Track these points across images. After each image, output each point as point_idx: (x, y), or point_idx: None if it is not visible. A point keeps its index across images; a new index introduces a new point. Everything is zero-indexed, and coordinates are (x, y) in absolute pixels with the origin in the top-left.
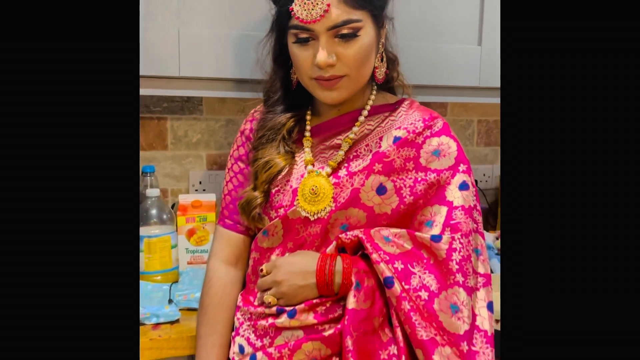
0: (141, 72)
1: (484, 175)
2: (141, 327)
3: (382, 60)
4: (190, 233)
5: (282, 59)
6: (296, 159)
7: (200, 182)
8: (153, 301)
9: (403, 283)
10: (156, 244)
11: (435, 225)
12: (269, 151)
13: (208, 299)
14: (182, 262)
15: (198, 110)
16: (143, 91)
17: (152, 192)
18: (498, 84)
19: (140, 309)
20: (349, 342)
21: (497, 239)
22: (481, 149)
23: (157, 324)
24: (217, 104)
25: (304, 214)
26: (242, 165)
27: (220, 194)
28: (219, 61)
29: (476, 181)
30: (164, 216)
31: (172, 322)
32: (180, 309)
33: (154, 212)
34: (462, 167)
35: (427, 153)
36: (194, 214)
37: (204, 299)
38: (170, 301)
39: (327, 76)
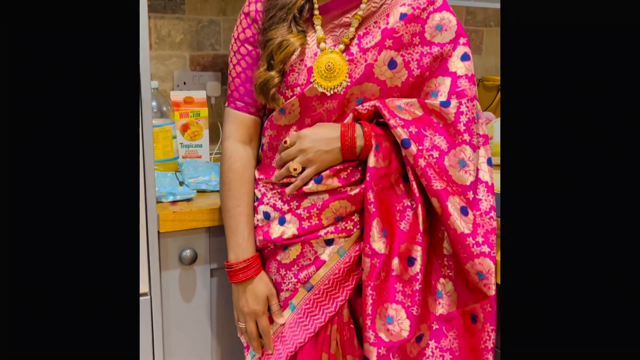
0: None
1: None
2: (160, 204)
3: None
4: (185, 128)
5: None
6: (307, 38)
7: (184, 83)
8: (164, 183)
9: (418, 144)
10: (158, 134)
11: (440, 94)
12: (281, 31)
13: (231, 174)
14: (178, 155)
15: (181, 10)
16: None
17: (151, 84)
18: None
19: (156, 189)
20: (370, 195)
21: None
22: None
23: (175, 202)
24: (199, 3)
25: (320, 90)
26: (249, 47)
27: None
28: None
29: None
30: (164, 108)
31: (187, 200)
32: (194, 190)
33: (154, 103)
34: (462, 40)
35: (431, 28)
36: (187, 109)
37: (227, 175)
38: (181, 183)
39: None
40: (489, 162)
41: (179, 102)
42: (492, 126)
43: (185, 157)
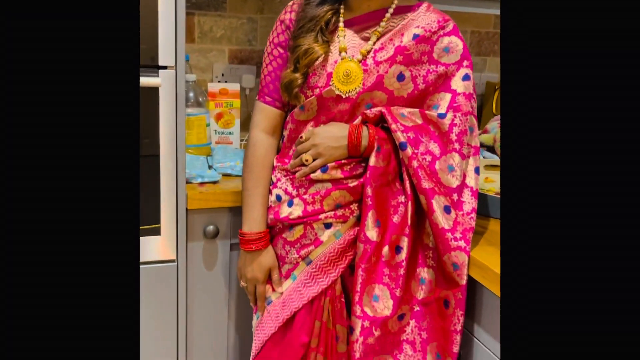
0: None
1: None
2: (189, 185)
3: None
4: (218, 117)
5: None
6: (330, 47)
7: (222, 74)
8: (195, 166)
9: (413, 148)
10: (194, 122)
11: (441, 107)
12: (308, 40)
13: (253, 159)
14: (211, 141)
15: (222, 7)
16: None
17: (189, 77)
18: None
19: (187, 171)
20: (369, 190)
21: (481, 133)
22: (472, 57)
23: (202, 183)
24: (239, 1)
25: (337, 92)
26: (281, 50)
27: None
28: None
29: None
30: (200, 98)
31: (214, 182)
32: (220, 174)
33: (191, 94)
34: (465, 63)
35: (439, 49)
36: (222, 100)
37: (250, 160)
38: (210, 167)
39: None
40: (477, 170)
41: (215, 92)
42: (499, 129)
43: (218, 142)
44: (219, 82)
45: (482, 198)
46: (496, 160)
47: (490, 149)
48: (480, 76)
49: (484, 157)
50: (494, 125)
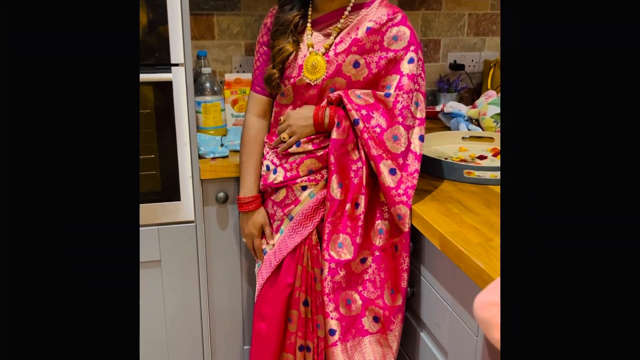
0: None
1: (472, 60)
2: (202, 159)
3: None
4: (234, 102)
5: None
6: (300, 45)
7: (240, 65)
8: (210, 145)
9: (365, 123)
10: (210, 108)
11: (391, 87)
12: (281, 41)
13: (247, 137)
14: (228, 123)
15: (237, 7)
16: None
17: (205, 70)
18: None
19: (202, 148)
20: (332, 158)
21: (470, 108)
22: (471, 38)
23: (214, 158)
24: (252, 1)
25: (306, 80)
26: (265, 48)
27: None
28: None
29: (463, 65)
30: (215, 88)
31: (223, 157)
32: (229, 150)
33: (207, 85)
34: (412, 48)
35: (389, 38)
36: (237, 88)
37: (244, 138)
38: (222, 145)
39: None
40: (421, 138)
41: (231, 82)
42: (485, 103)
43: (235, 124)
44: (237, 72)
45: (438, 163)
46: (478, 132)
47: (477, 122)
48: (480, 55)
49: (469, 129)
50: (482, 100)
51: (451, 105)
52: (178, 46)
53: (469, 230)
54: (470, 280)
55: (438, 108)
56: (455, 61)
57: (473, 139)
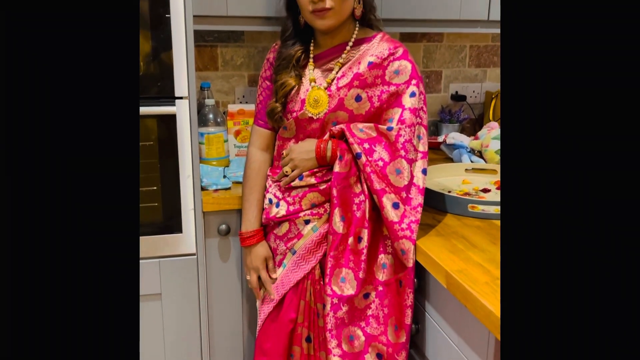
0: (196, 13)
1: (474, 92)
2: (205, 191)
3: (359, 2)
4: (237, 133)
5: (292, 7)
6: (302, 79)
7: (243, 96)
8: (212, 176)
9: (368, 156)
10: (213, 139)
11: (393, 121)
12: (284, 75)
13: (250, 171)
14: (231, 154)
15: (241, 39)
16: (198, 27)
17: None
18: (477, 17)
19: (204, 180)
20: (334, 191)
21: (473, 139)
22: (472, 69)
23: (216, 190)
24: (255, 34)
25: (309, 114)
26: (268, 83)
27: None
28: (255, 3)
29: (465, 96)
30: (218, 119)
31: (226, 189)
32: (231, 181)
33: (210, 116)
34: (413, 82)
35: (390, 72)
36: (239, 119)
37: (247, 172)
38: (224, 177)
39: (319, 7)
40: (424, 171)
41: (234, 113)
42: (488, 135)
43: (237, 155)
44: (240, 103)
45: (441, 197)
46: (481, 164)
47: (480, 154)
48: (481, 86)
49: (471, 161)
50: (484, 132)
51: (453, 136)
52: (182, 79)
53: (476, 268)
54: (478, 321)
55: (440, 138)
56: (456, 92)
57: (476, 171)
